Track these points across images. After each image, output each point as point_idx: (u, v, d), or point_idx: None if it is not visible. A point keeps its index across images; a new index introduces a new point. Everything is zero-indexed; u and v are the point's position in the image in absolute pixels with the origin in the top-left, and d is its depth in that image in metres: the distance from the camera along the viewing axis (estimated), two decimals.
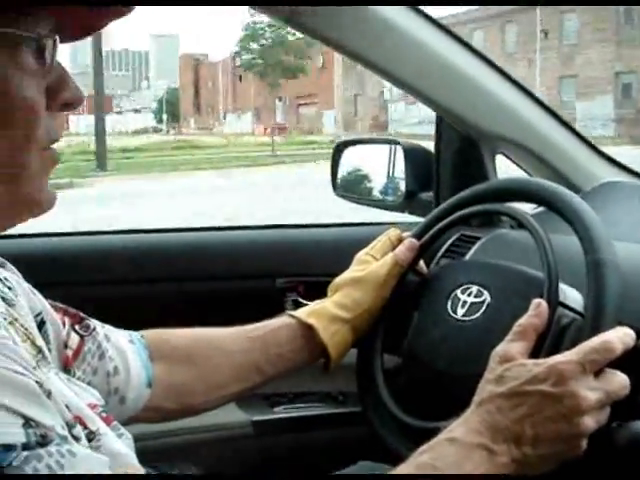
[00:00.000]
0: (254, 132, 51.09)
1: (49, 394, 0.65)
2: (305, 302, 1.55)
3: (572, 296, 1.03)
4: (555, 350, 0.92)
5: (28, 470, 0.58)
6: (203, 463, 1.34)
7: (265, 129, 48.38)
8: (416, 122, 39.51)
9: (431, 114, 1.62)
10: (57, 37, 0.75)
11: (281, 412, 1.67)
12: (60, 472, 0.60)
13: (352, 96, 51.38)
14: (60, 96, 0.77)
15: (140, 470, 0.72)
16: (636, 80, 37.65)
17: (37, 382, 0.64)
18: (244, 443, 1.61)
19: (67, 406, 0.69)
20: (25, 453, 0.59)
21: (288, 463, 1.62)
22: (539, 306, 0.97)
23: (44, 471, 0.59)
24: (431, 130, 1.71)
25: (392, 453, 1.11)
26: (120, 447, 0.73)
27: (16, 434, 0.59)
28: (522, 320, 0.95)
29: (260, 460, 1.62)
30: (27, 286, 0.94)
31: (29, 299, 0.92)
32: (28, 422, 0.60)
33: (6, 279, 0.89)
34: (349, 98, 51.74)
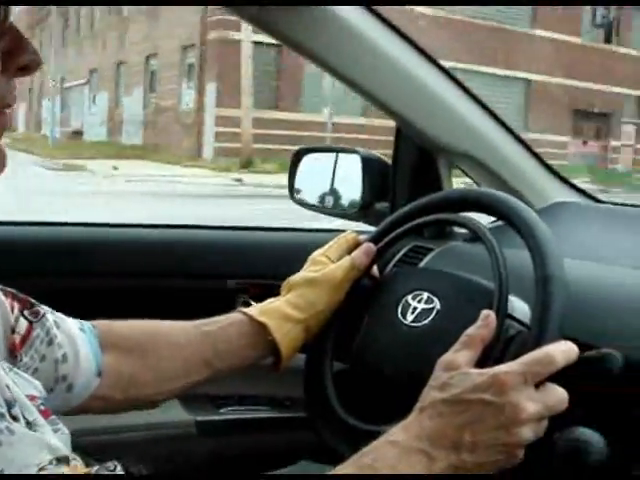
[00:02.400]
0: None
1: None
2: (255, 304, 1.55)
3: (520, 308, 1.04)
4: (500, 361, 0.93)
5: None
6: (145, 460, 1.32)
7: None
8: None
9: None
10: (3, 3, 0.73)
11: (226, 413, 1.67)
12: None
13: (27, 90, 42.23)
14: (15, 60, 0.74)
15: (80, 467, 0.71)
16: (164, 64, 25.40)
17: None
18: (188, 443, 1.61)
19: (7, 386, 0.68)
20: None
21: (231, 464, 1.62)
22: (488, 317, 0.97)
23: None
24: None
25: (337, 456, 1.11)
26: (55, 442, 0.72)
27: None
28: (470, 330, 0.96)
29: (203, 460, 1.61)
30: None
31: None
32: None
33: None
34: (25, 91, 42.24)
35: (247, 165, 20.33)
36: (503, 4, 25.66)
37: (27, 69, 0.76)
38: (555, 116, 26.55)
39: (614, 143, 29.79)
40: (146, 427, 1.53)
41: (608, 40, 28.37)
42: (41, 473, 0.62)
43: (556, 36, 26.84)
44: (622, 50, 29.16)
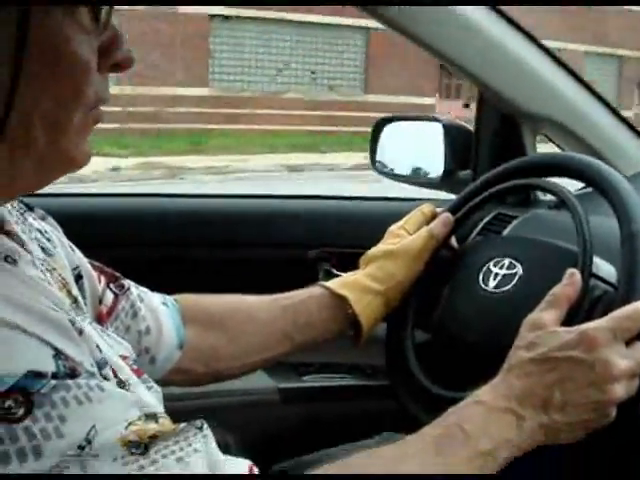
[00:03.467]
0: None
1: (80, 332, 0.66)
2: (337, 273, 1.55)
3: (605, 269, 1.02)
4: (587, 321, 0.90)
5: (56, 399, 0.59)
6: (229, 426, 1.35)
7: None
8: None
9: None
10: None
11: (308, 381, 1.68)
12: (88, 405, 0.61)
13: None
14: (111, 56, 0.75)
15: (168, 423, 0.73)
16: None
17: (70, 320, 0.65)
18: (270, 409, 1.63)
19: (98, 347, 0.70)
20: (54, 382, 0.60)
21: (314, 432, 1.63)
22: (573, 276, 0.96)
23: (72, 402, 0.60)
24: None
25: (420, 426, 1.11)
26: (150, 399, 0.74)
27: (47, 363, 0.60)
28: (555, 289, 0.95)
29: (286, 427, 1.63)
30: (67, 241, 0.96)
31: (67, 253, 0.93)
32: (58, 354, 0.61)
33: (46, 232, 0.90)
34: None
35: None
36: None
37: (121, 66, 0.77)
38: (408, 71, 20.89)
39: None
40: (229, 393, 1.56)
41: None
42: (129, 429, 0.64)
43: None
44: None
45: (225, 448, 0.74)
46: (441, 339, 1.20)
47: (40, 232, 0.89)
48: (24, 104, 0.67)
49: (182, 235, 1.66)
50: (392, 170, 1.90)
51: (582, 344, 0.86)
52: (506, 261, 1.13)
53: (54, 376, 0.60)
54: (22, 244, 0.77)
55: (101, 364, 0.68)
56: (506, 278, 1.11)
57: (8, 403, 0.57)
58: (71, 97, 0.71)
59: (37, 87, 0.68)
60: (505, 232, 1.40)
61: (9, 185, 0.71)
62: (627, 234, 0.97)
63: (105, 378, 0.67)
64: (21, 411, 0.58)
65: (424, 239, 1.21)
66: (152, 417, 0.68)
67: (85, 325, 0.71)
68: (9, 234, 0.76)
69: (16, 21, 0.64)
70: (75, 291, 0.86)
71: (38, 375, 0.59)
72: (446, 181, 1.75)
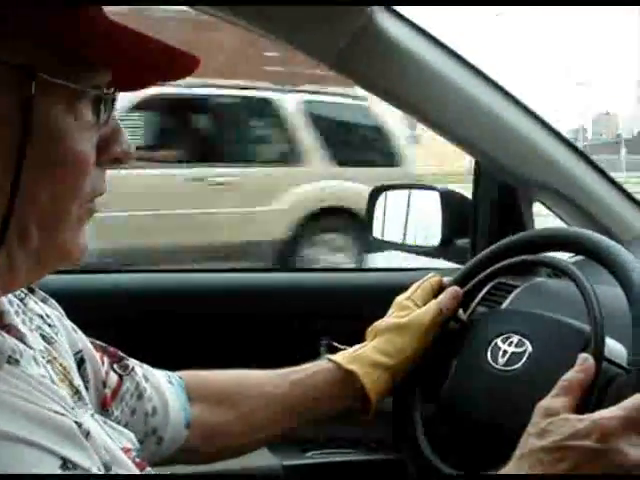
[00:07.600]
0: None
1: (87, 434, 0.65)
2: (339, 346, 1.54)
3: (616, 350, 1.01)
4: (598, 406, 0.90)
5: None
6: None
7: None
8: None
9: None
10: (116, 93, 0.74)
11: (312, 457, 1.66)
12: None
13: None
14: (111, 151, 0.75)
15: None
16: None
17: (76, 422, 0.64)
18: None
19: (105, 448, 0.68)
20: None
21: None
22: (585, 361, 0.95)
23: None
24: None
25: None
26: None
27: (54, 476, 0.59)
28: (568, 375, 0.94)
29: None
30: (69, 323, 0.94)
31: (70, 337, 0.92)
32: (66, 464, 0.60)
33: (47, 316, 0.89)
34: None
35: None
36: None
37: (119, 161, 0.76)
38: None
39: None
40: (233, 472, 1.53)
41: None
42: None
43: None
44: None
45: None
46: (449, 415, 1.19)
47: (41, 317, 0.87)
48: (22, 206, 0.66)
49: (186, 308, 1.66)
50: (389, 238, 1.91)
51: (594, 433, 0.85)
52: (515, 338, 1.12)
53: None
54: (22, 338, 0.75)
55: (108, 466, 0.67)
56: (515, 356, 1.10)
57: None
58: (68, 193, 0.70)
59: (35, 186, 0.67)
60: (507, 302, 1.39)
61: (6, 279, 0.71)
62: (638, 316, 0.97)
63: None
64: None
65: (434, 313, 1.20)
66: None
67: (89, 422, 0.70)
68: (9, 329, 0.75)
69: (19, 119, 0.64)
70: (77, 380, 0.85)
71: None
72: (443, 249, 1.75)
